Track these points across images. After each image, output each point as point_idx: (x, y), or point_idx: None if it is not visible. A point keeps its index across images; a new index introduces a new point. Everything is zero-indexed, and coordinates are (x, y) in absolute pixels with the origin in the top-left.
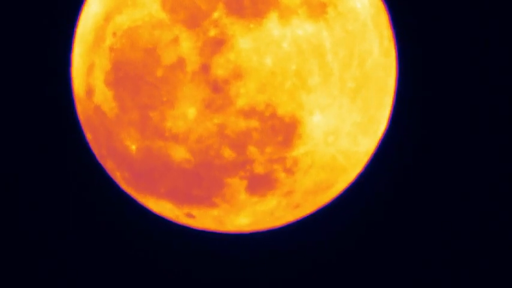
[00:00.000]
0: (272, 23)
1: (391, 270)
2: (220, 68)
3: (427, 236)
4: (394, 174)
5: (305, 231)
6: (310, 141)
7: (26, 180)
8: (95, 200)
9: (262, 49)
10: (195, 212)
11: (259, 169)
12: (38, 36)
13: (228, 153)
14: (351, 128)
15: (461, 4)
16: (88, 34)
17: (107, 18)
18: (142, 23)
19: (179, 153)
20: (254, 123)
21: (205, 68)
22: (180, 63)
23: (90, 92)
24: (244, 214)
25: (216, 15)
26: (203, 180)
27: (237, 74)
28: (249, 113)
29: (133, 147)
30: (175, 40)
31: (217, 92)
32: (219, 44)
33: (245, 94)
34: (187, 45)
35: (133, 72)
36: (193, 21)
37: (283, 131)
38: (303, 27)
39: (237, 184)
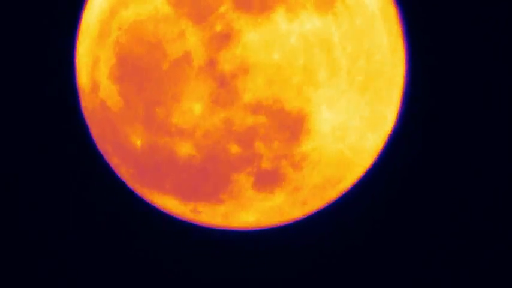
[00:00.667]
0: (279, 17)
1: (399, 267)
2: (227, 63)
3: (435, 233)
4: (403, 169)
5: (313, 227)
6: (318, 136)
7: (29, 176)
8: (99, 196)
9: (269, 43)
10: (201, 208)
11: (266, 165)
12: (41, 30)
13: (234, 148)
14: (359, 123)
15: None
16: (93, 28)
17: (112, 12)
18: (147, 17)
19: (185, 149)
20: (261, 118)
21: (211, 63)
22: (186, 57)
23: (94, 86)
24: (251, 210)
25: (222, 9)
26: (209, 176)
27: (244, 69)
28: (256, 108)
29: (139, 142)
30: (182, 34)
31: (224, 86)
32: (225, 38)
33: (252, 89)
34: (193, 40)
35: (138, 67)
36: (200, 15)
37: (291, 126)
38: (310, 22)
39: (243, 180)
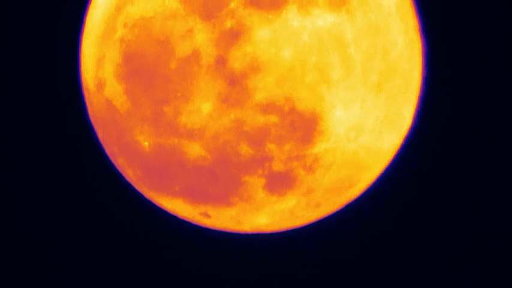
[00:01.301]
0: (291, 14)
1: (416, 273)
2: (237, 61)
3: (456, 239)
4: (420, 172)
5: (326, 231)
6: (332, 137)
7: (31, 178)
8: (105, 199)
9: (281, 41)
10: (211, 211)
11: (278, 167)
12: (45, 27)
13: (245, 150)
14: (374, 123)
15: None
16: (98, 25)
17: (118, 8)
18: (155, 14)
19: (194, 150)
20: (273, 118)
21: (221, 61)
22: (195, 55)
23: (100, 86)
24: (263, 213)
25: (232, 5)
26: (219, 179)
27: (255, 67)
28: (268, 108)
29: (146, 143)
30: (190, 31)
31: (234, 85)
32: (235, 35)
33: (263, 88)
34: (202, 37)
35: (145, 65)
36: (209, 11)
37: (304, 126)
38: (323, 18)
39: (255, 182)
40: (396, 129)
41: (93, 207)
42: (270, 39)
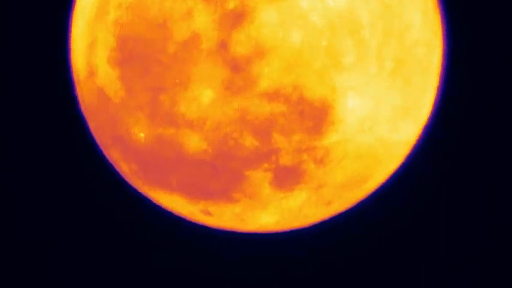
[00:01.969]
0: None
1: (434, 278)
2: (240, 45)
3: (475, 238)
4: (440, 166)
5: (337, 231)
6: (344, 128)
7: (20, 174)
8: (98, 195)
9: (288, 23)
10: (212, 208)
11: (285, 160)
12: (31, 7)
13: (249, 142)
14: (390, 113)
15: None
16: (89, 6)
17: None
18: None
19: (194, 142)
20: (280, 107)
21: (223, 45)
22: (195, 39)
23: (92, 72)
24: (269, 211)
25: None
26: (221, 173)
27: (260, 52)
28: (274, 96)
29: (142, 135)
30: (189, 13)
31: (237, 72)
32: (239, 17)
33: (269, 74)
34: (202, 19)
35: (141, 50)
36: None
37: (313, 116)
38: None
39: (260, 177)
40: (414, 119)
41: (85, 204)
42: (277, 22)
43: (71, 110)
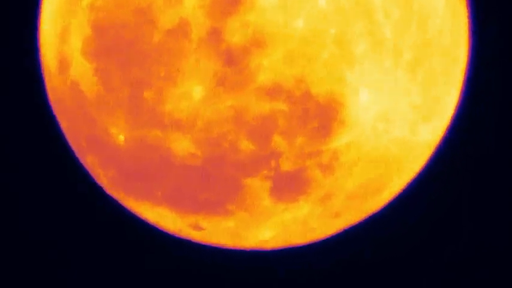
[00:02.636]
0: None
1: None
2: (235, 34)
3: (506, 256)
4: (466, 172)
5: (348, 247)
6: (355, 128)
7: None
8: (71, 207)
9: (291, 8)
10: (203, 222)
11: (287, 166)
12: None
13: (246, 145)
14: (408, 111)
15: None
16: None
17: None
18: None
19: (182, 146)
20: (281, 105)
21: (215, 34)
22: (183, 27)
23: (64, 65)
24: (268, 225)
25: None
26: (214, 181)
27: (258, 41)
28: (274, 92)
29: (122, 137)
30: None
31: (232, 64)
32: (234, 1)
33: (269, 67)
34: (192, 4)
35: (121, 39)
36: None
37: (320, 115)
38: None
39: (258, 186)
40: (436, 118)
41: (56, 218)
42: (278, 6)
43: (40, 108)
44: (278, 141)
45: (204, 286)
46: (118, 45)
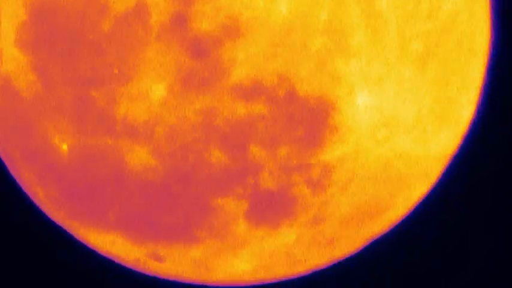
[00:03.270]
0: None
1: None
2: (205, 20)
3: None
4: (484, 192)
5: (342, 282)
6: (351, 137)
7: None
8: (3, 232)
9: None
10: (164, 252)
11: (268, 183)
12: None
13: (217, 157)
14: (416, 116)
15: None
16: None
17: None
18: None
19: (139, 158)
20: (260, 108)
21: (180, 20)
22: (140, 12)
23: None
24: (243, 255)
25: None
26: (178, 201)
27: (233, 29)
28: (253, 92)
29: (65, 147)
30: None
31: (201, 57)
32: None
33: (246, 61)
34: None
35: (64, 27)
36: None
37: (307, 120)
38: None
39: (232, 208)
40: (449, 125)
41: None
42: None
43: None
44: (256, 152)
45: None
46: (60, 34)
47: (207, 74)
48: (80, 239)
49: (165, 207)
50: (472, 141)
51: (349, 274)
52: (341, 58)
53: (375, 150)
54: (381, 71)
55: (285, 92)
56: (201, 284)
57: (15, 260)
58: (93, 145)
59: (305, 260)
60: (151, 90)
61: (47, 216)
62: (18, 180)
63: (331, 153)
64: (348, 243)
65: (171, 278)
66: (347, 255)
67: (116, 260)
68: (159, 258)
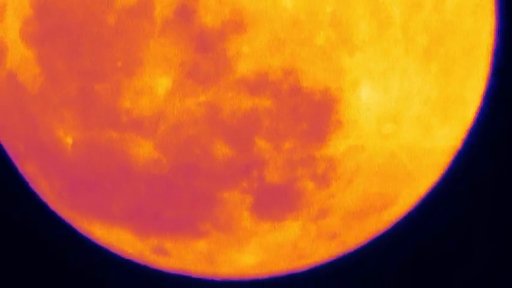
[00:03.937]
0: None
1: None
2: (210, 13)
3: None
4: (491, 186)
5: (347, 276)
6: (356, 131)
7: None
8: (6, 224)
9: None
10: (169, 245)
11: (272, 177)
12: None
13: (222, 151)
14: (421, 109)
15: None
16: None
17: None
18: None
19: (144, 151)
20: (265, 102)
21: (185, 13)
22: (145, 5)
23: None
24: (249, 249)
25: None
26: (182, 194)
27: (238, 23)
28: (257, 85)
29: (69, 140)
30: None
31: (205, 51)
32: None
33: (250, 55)
34: None
35: (69, 21)
36: None
37: (312, 114)
38: None
39: (237, 201)
40: (455, 118)
41: None
42: None
43: None
44: (261, 146)
45: None
46: (65, 28)
47: (212, 68)
48: (84, 233)
49: (169, 201)
50: (478, 134)
51: (354, 268)
52: (346, 52)
53: (380, 144)
54: (386, 64)
55: (289, 86)
56: (205, 278)
57: (18, 253)
58: (97, 138)
59: (310, 253)
60: (156, 84)
61: (51, 210)
62: (22, 173)
63: (336, 147)
64: (353, 237)
65: (175, 272)
66: (352, 249)
67: (120, 254)
68: (163, 252)
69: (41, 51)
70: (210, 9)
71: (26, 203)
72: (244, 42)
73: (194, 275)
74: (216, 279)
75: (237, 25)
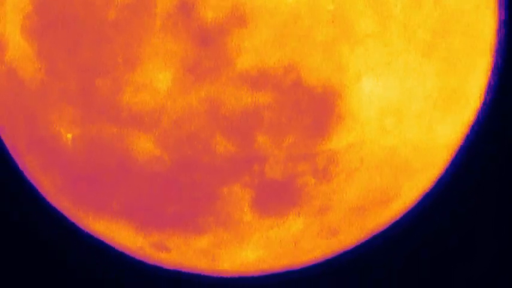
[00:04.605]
0: None
1: None
2: (210, 8)
3: None
4: (494, 181)
5: (349, 272)
6: (357, 126)
7: None
8: (6, 219)
9: None
10: (170, 242)
11: (274, 172)
12: None
13: (223, 145)
14: (423, 104)
15: None
16: None
17: None
18: None
19: (144, 147)
20: (266, 97)
21: (186, 8)
22: (146, 0)
23: None
24: (250, 245)
25: None
26: (183, 190)
27: (239, 17)
28: (258, 80)
29: (69, 136)
30: None
31: (206, 46)
32: None
33: (252, 50)
34: None
35: (69, 16)
36: None
37: (314, 109)
38: None
39: (238, 196)
40: (457, 113)
41: None
42: None
43: None
44: (262, 141)
45: None
46: (65, 23)
47: (213, 63)
48: (85, 228)
49: (170, 196)
50: (480, 129)
51: (355, 264)
52: (347, 47)
53: (382, 138)
54: (387, 59)
55: (291, 81)
56: (206, 274)
57: (19, 249)
58: (98, 134)
59: (310, 250)
60: (156, 79)
61: (51, 206)
62: (22, 168)
63: (338, 142)
64: (354, 232)
65: (176, 269)
66: (353, 245)
67: (121, 249)
68: (164, 248)
69: (41, 46)
70: (210, 4)
71: (26, 199)
72: (245, 37)
73: (194, 272)
74: (216, 275)
75: (238, 20)
